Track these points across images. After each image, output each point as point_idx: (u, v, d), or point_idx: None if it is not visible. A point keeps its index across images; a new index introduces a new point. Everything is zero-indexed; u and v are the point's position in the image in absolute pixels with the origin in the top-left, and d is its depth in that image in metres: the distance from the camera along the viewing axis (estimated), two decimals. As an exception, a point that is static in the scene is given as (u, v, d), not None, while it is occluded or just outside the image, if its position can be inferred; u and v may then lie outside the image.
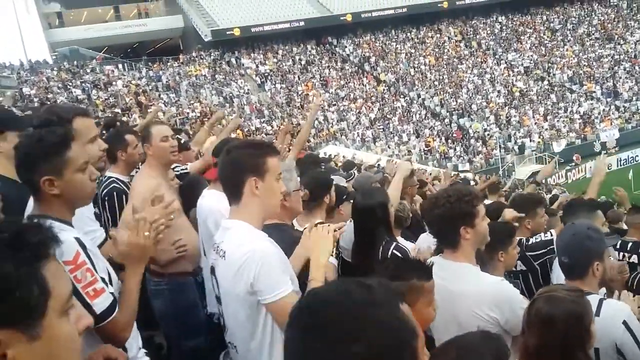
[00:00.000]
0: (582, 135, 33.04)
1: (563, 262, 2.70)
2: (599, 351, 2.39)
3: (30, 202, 2.43)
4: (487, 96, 36.36)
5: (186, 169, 4.47)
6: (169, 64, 36.43)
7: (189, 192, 3.94)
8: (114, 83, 31.65)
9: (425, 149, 31.75)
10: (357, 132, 32.15)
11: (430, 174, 17.64)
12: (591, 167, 29.06)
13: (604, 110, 35.31)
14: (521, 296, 2.62)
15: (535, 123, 33.94)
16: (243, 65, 37.92)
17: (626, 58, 39.69)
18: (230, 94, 34.07)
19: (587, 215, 3.71)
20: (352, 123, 33.24)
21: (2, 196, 2.35)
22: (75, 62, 34.15)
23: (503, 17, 44.86)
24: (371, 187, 4.26)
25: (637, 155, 30.41)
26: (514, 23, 44.50)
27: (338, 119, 33.40)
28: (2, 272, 0.96)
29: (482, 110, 34.94)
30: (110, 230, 2.24)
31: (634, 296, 2.72)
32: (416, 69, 38.95)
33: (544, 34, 43.25)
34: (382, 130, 32.87)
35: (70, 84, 30.64)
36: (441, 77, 38.06)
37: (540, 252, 3.83)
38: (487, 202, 6.58)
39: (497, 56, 40.98)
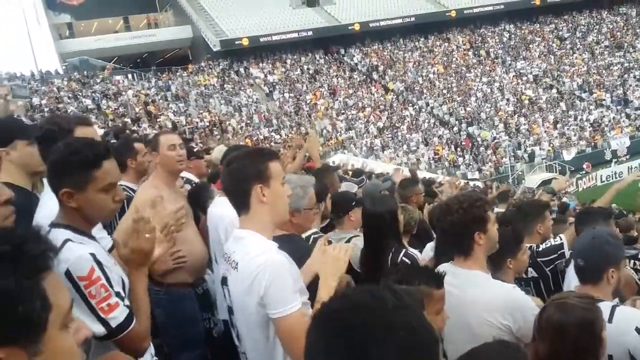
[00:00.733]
0: (593, 143, 32.80)
1: (578, 265, 2.66)
2: (612, 358, 2.35)
3: (40, 208, 2.44)
4: (496, 104, 36.25)
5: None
6: (178, 73, 36.67)
7: (195, 200, 3.94)
8: (123, 93, 31.89)
9: (435, 157, 31.67)
10: (366, 141, 32.14)
11: (442, 183, 17.54)
12: (602, 175, 28.92)
13: (614, 118, 35.07)
14: (532, 303, 2.59)
15: (545, 131, 33.77)
16: (251, 74, 38.08)
17: (636, 66, 39.41)
18: (239, 103, 34.20)
19: (602, 224, 3.67)
20: (361, 132, 33.25)
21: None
22: (85, 72, 34.44)
23: (511, 26, 44.80)
24: (381, 194, 4.26)
25: (649, 164, 30.10)
26: (523, 31, 44.42)
27: (346, 127, 33.42)
28: (4, 287, 0.91)
29: (491, 119, 34.84)
30: (113, 235, 2.24)
31: None
32: (424, 78, 38.94)
33: (552, 42, 43.12)
34: (390, 138, 32.85)
35: (80, 94, 30.90)
36: (450, 86, 38.02)
37: (552, 257, 3.79)
38: (497, 210, 6.55)
39: (505, 64, 40.90)
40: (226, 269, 2.33)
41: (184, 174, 4.37)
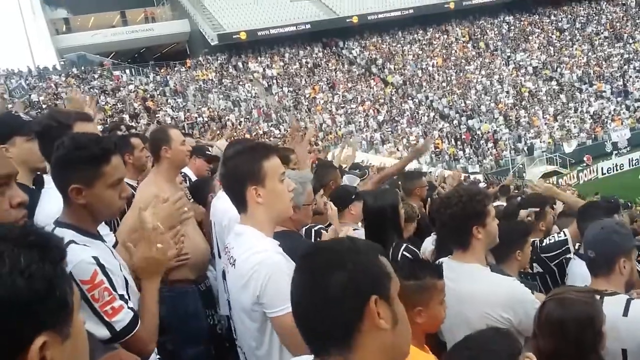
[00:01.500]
0: (593, 135, 32.77)
1: (589, 257, 2.64)
2: (627, 352, 2.33)
3: (40, 206, 2.42)
4: (495, 97, 36.20)
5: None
6: (176, 68, 36.60)
7: (196, 194, 3.92)
8: (121, 88, 31.83)
9: (435, 150, 31.64)
10: (365, 135, 32.11)
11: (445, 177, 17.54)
12: (602, 167, 28.89)
13: (614, 109, 35.03)
14: (533, 296, 2.58)
15: (545, 123, 33.75)
16: (250, 69, 38.01)
17: (636, 57, 39.29)
18: (238, 98, 34.15)
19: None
20: (360, 125, 33.21)
21: None
22: (82, 68, 34.39)
23: (510, 17, 44.69)
24: (382, 188, 4.25)
25: (650, 155, 30.07)
26: (522, 23, 44.31)
27: (346, 121, 33.39)
28: (44, 272, 0.94)
29: (490, 112, 34.80)
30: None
31: None
32: (424, 71, 38.87)
33: (552, 34, 43.01)
34: (390, 132, 32.82)
35: (79, 89, 30.81)
36: (449, 79, 37.96)
37: (556, 252, 3.77)
38: (497, 203, 6.55)
39: (505, 57, 40.81)
40: (225, 264, 2.32)
41: (183, 169, 4.36)
